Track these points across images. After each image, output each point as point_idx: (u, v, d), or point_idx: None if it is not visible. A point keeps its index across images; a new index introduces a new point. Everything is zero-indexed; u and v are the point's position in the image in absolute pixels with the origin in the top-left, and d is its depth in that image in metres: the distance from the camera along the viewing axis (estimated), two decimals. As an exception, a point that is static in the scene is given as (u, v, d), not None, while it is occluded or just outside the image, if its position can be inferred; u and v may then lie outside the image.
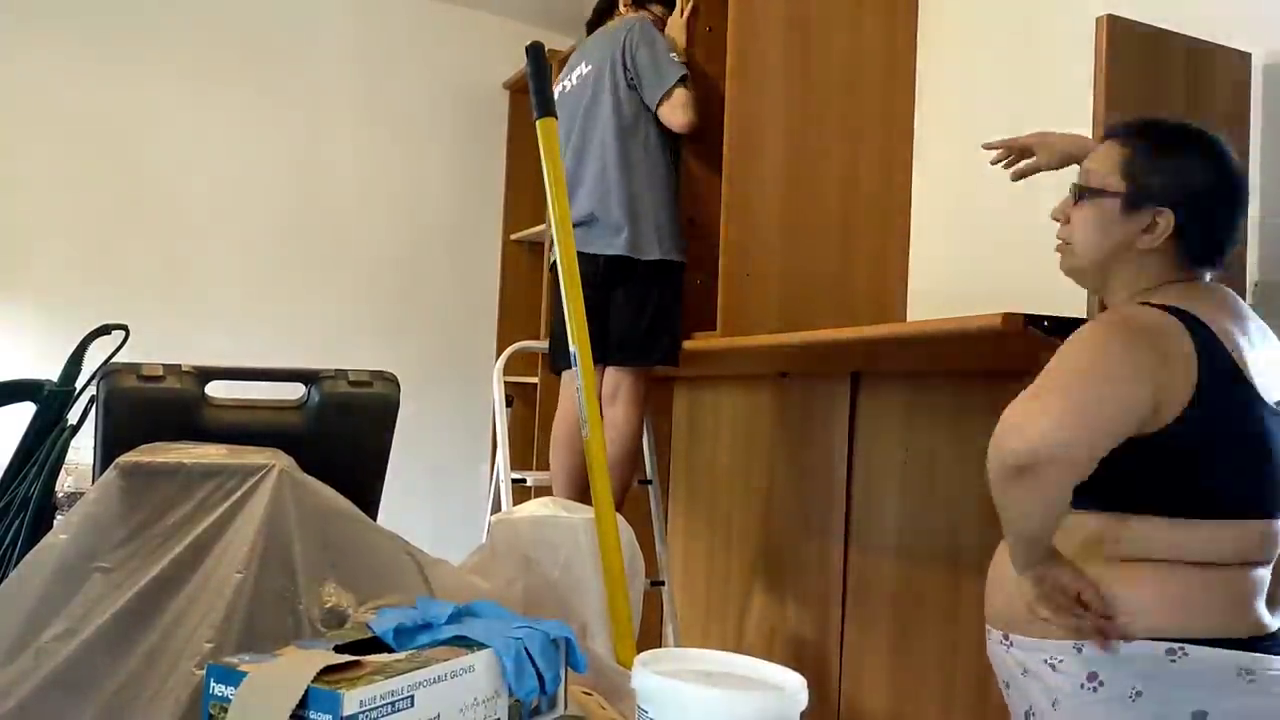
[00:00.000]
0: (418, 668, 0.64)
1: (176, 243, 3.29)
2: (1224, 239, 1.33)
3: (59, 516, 0.90)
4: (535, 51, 1.17)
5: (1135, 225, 1.32)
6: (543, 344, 2.86)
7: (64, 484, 1.36)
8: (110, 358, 0.90)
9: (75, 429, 0.96)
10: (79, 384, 0.97)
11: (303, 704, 0.59)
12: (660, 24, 2.57)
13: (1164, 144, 1.35)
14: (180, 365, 0.86)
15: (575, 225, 2.36)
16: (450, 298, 3.76)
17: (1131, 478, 1.21)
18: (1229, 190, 1.33)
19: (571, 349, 1.08)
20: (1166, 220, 1.29)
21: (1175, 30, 1.68)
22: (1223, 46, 1.73)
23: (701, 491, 3.03)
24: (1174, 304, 1.25)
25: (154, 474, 0.75)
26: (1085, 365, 1.22)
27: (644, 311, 2.39)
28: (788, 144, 2.42)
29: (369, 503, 0.91)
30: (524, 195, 3.83)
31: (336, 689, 0.59)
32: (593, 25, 2.63)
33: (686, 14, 2.55)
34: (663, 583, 2.74)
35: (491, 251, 3.86)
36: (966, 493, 2.14)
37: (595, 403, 1.09)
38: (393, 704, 0.61)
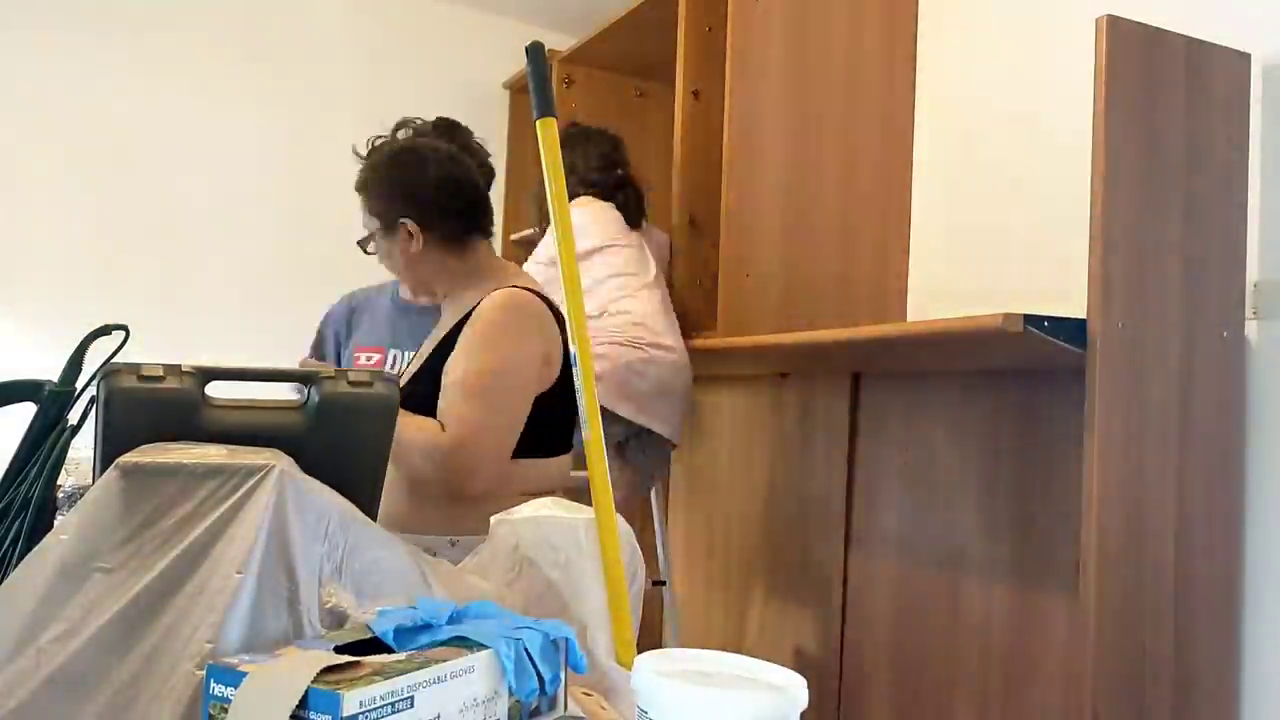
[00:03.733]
0: (418, 668, 0.64)
1: (176, 243, 3.29)
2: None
3: (59, 516, 0.90)
4: (535, 51, 1.17)
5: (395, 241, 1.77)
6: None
7: (64, 484, 1.36)
8: (110, 358, 0.90)
9: (76, 429, 0.95)
10: (79, 384, 0.97)
11: (303, 704, 0.59)
12: None
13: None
14: (180, 365, 0.86)
15: None
16: (450, 298, 3.75)
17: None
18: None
19: (571, 349, 1.08)
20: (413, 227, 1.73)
21: (1175, 30, 1.69)
22: (1223, 46, 1.74)
23: (701, 491, 3.03)
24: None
25: (154, 474, 0.75)
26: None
27: None
28: (788, 144, 2.42)
29: (369, 503, 0.91)
30: (524, 195, 3.83)
31: (336, 689, 0.59)
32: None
33: None
34: (663, 583, 2.74)
35: (491, 251, 3.85)
36: (966, 492, 2.14)
37: (595, 402, 1.09)
38: (393, 704, 0.61)
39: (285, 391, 1.24)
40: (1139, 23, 1.64)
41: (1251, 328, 1.78)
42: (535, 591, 0.98)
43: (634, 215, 2.49)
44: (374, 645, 0.70)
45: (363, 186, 1.84)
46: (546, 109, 1.13)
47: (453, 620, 0.74)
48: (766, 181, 2.38)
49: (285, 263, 3.40)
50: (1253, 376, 1.78)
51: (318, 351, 2.16)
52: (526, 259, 3.82)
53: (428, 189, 1.73)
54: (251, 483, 0.75)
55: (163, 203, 3.27)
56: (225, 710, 0.61)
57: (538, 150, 1.13)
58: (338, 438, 0.90)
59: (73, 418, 0.97)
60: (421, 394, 1.60)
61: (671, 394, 2.29)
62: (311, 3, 3.54)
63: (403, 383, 1.66)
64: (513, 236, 3.82)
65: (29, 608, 0.70)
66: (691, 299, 2.58)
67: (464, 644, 0.71)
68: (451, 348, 1.62)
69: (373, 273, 2.97)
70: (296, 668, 0.61)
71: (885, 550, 2.32)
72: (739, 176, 2.36)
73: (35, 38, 3.12)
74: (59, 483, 0.98)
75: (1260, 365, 1.78)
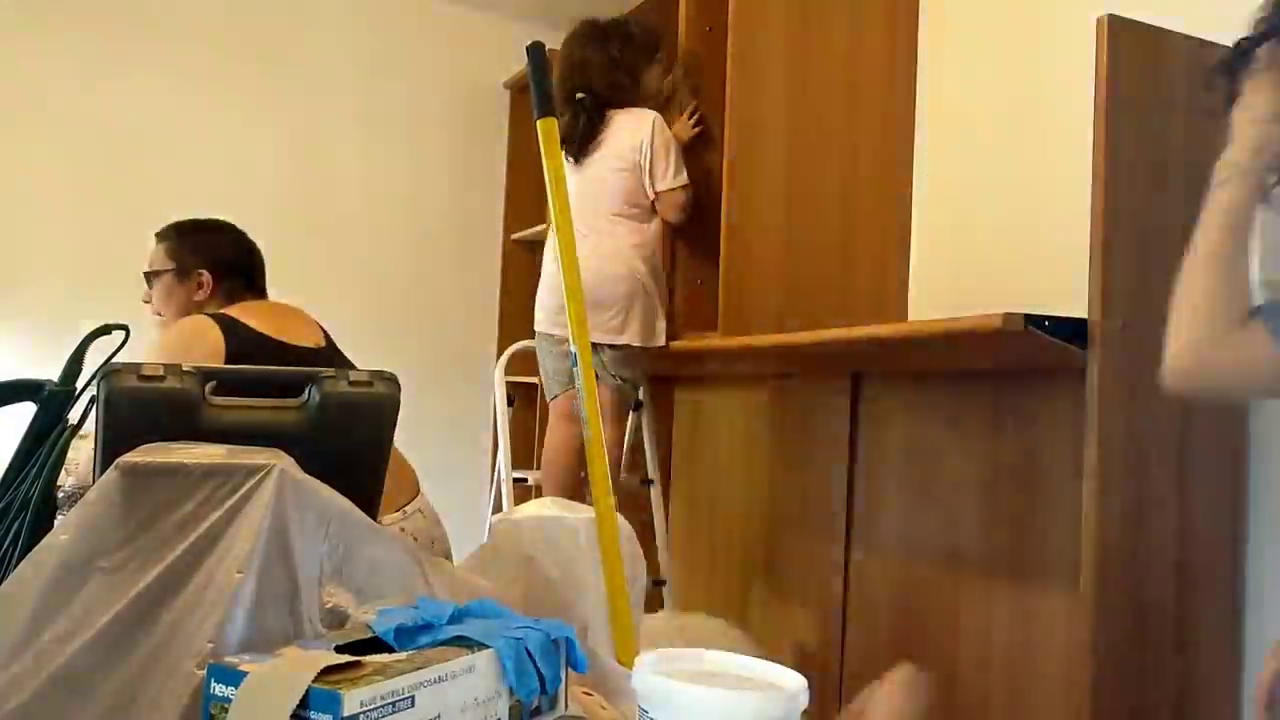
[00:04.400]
0: (418, 668, 0.64)
1: (176, 243, 3.28)
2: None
3: (59, 516, 0.90)
4: (535, 51, 1.17)
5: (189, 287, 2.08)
6: (536, 344, 2.86)
7: (64, 484, 1.36)
8: (110, 358, 0.90)
9: (75, 429, 0.95)
10: (79, 384, 0.97)
11: (303, 704, 0.59)
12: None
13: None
14: (180, 365, 0.86)
15: None
16: (450, 298, 3.76)
17: None
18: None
19: (571, 349, 1.08)
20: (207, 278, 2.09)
21: (1175, 30, 1.68)
22: (1223, 46, 1.73)
23: (702, 491, 3.03)
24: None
25: (154, 474, 0.75)
26: None
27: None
28: (788, 144, 2.42)
29: (369, 503, 0.91)
30: (524, 195, 3.83)
31: (337, 689, 0.59)
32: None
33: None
34: (664, 582, 2.75)
35: (491, 251, 3.86)
36: (966, 493, 2.14)
37: (595, 402, 1.09)
38: (393, 704, 0.61)
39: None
40: (1139, 22, 1.64)
41: (1252, 328, 1.78)
42: (535, 591, 0.98)
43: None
44: (374, 645, 0.70)
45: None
46: (546, 109, 1.13)
47: (453, 620, 0.74)
48: (767, 182, 2.38)
49: (285, 262, 3.38)
50: (1253, 376, 1.78)
51: None
52: (526, 258, 3.84)
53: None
54: (251, 483, 0.75)
55: (163, 203, 3.26)
56: (225, 710, 0.61)
57: (538, 150, 1.13)
58: (338, 437, 0.90)
59: (73, 418, 0.97)
60: None
61: (590, 305, 2.33)
62: (311, 3, 3.53)
63: None
64: (513, 236, 3.82)
65: (29, 608, 0.70)
66: (691, 299, 2.58)
67: (464, 644, 0.71)
68: None
69: (370, 273, 2.98)
70: (297, 667, 0.61)
71: (885, 550, 2.32)
72: (739, 177, 2.36)
73: (36, 39, 3.12)
74: (59, 483, 0.98)
75: (1260, 365, 1.78)
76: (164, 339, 1.96)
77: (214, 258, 2.12)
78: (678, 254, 2.64)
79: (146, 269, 2.14)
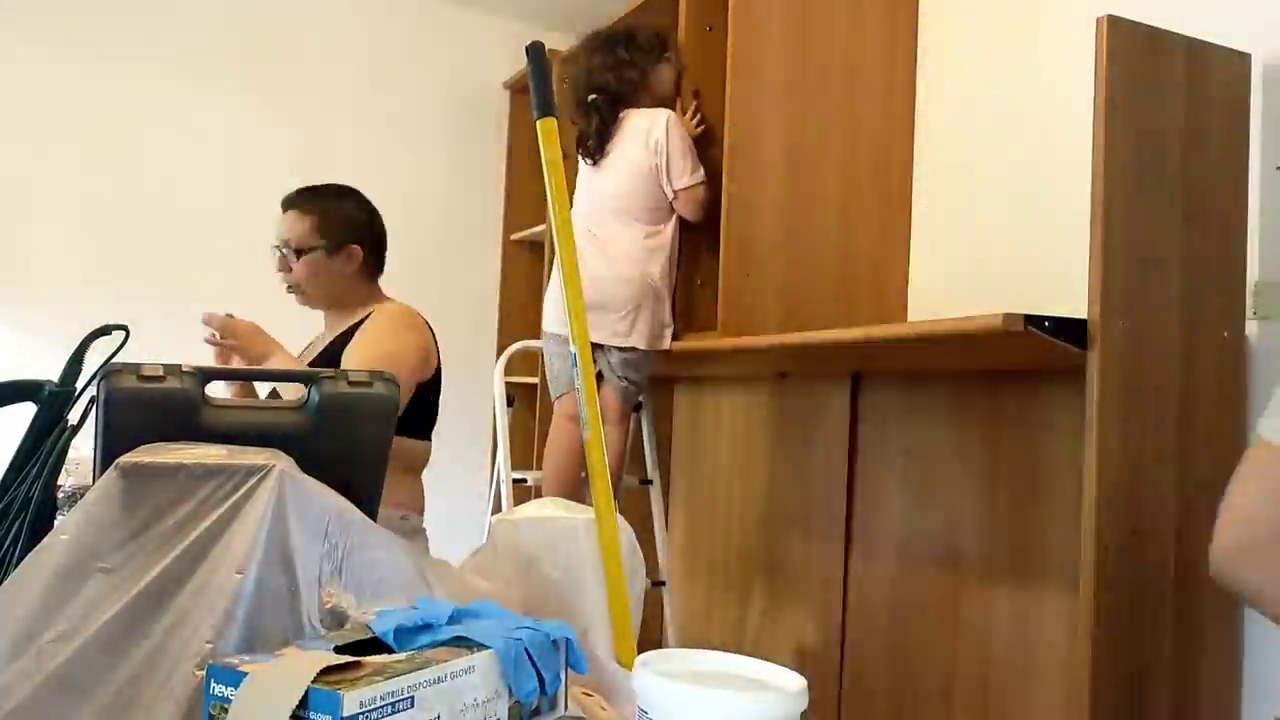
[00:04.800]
0: (418, 668, 0.64)
1: (176, 243, 3.29)
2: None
3: (59, 516, 0.90)
4: (535, 51, 1.17)
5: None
6: (543, 344, 2.86)
7: (64, 484, 1.36)
8: (110, 358, 0.90)
9: (75, 429, 0.95)
10: (79, 384, 0.97)
11: (303, 704, 0.59)
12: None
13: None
14: (180, 365, 0.86)
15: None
16: (450, 298, 3.76)
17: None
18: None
19: (571, 349, 1.08)
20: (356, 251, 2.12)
21: (1175, 30, 1.68)
22: (1223, 46, 1.73)
23: (702, 491, 3.03)
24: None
25: (154, 474, 0.75)
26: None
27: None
28: (788, 144, 2.42)
29: (369, 503, 0.91)
30: (524, 195, 3.83)
31: (336, 689, 0.59)
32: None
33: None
34: (663, 583, 2.74)
35: (491, 251, 3.86)
36: (966, 493, 2.14)
37: (595, 404, 1.09)
38: (393, 704, 0.61)
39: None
40: (1139, 23, 1.64)
41: (1252, 328, 1.78)
42: (535, 591, 0.98)
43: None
44: (374, 645, 0.70)
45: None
46: (546, 109, 1.13)
47: (453, 620, 0.74)
48: (766, 181, 2.38)
49: (285, 263, 3.39)
50: (1253, 377, 1.78)
51: None
52: (526, 258, 3.84)
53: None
54: (251, 483, 0.75)
55: (163, 203, 3.27)
56: (225, 710, 0.61)
57: (538, 150, 1.13)
58: (338, 438, 0.90)
59: (73, 418, 0.97)
60: None
61: (599, 307, 2.36)
62: (312, 3, 3.54)
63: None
64: (513, 236, 3.82)
65: (29, 608, 0.70)
66: (691, 299, 2.58)
67: (464, 644, 0.71)
68: (340, 348, 2.00)
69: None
70: (296, 668, 0.61)
71: (885, 550, 2.32)
72: (739, 176, 2.36)
73: (36, 38, 3.12)
74: (59, 483, 0.98)
75: (1260, 365, 1.78)
76: (392, 337, 2.03)
77: (362, 232, 2.13)
78: (680, 254, 2.64)
79: (291, 245, 2.06)
